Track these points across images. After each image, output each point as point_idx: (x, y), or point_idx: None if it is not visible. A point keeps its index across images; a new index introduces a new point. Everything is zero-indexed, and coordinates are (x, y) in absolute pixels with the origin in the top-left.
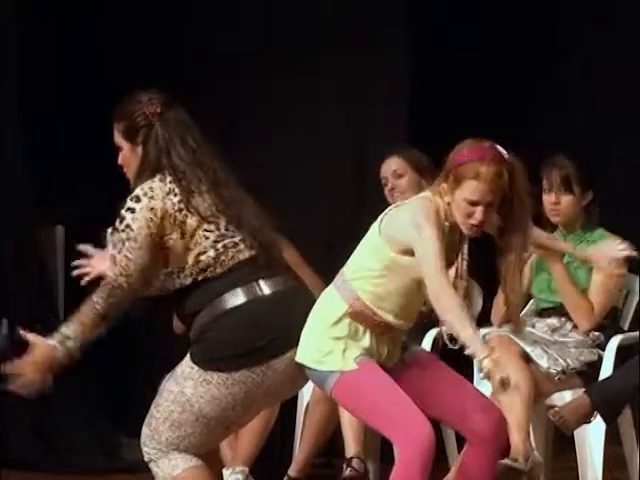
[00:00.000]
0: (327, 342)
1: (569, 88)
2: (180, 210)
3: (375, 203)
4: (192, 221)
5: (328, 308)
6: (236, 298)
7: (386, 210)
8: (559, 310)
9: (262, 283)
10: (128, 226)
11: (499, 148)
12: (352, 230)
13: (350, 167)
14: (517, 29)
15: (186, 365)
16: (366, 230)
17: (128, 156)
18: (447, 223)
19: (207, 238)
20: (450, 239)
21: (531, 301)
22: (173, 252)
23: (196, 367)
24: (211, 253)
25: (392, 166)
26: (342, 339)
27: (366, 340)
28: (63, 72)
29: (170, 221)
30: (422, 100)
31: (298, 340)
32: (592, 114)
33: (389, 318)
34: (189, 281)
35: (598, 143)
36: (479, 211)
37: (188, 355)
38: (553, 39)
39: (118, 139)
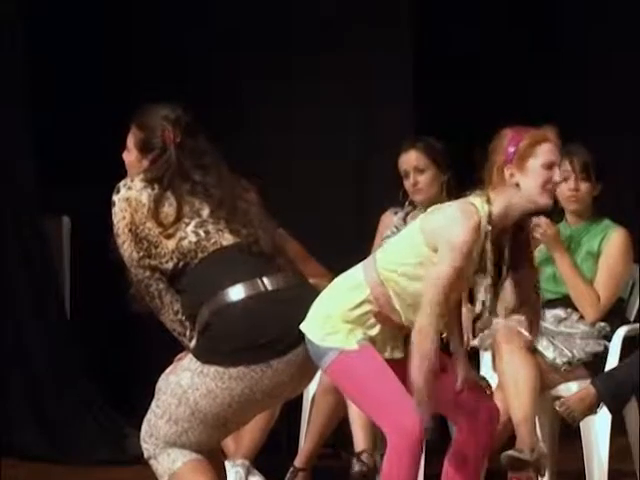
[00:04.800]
0: (336, 322)
1: (572, 85)
2: (156, 202)
3: (377, 203)
4: (170, 210)
5: (350, 290)
6: (239, 292)
7: (430, 208)
8: (565, 301)
9: (266, 280)
10: (114, 224)
11: None
12: (354, 231)
13: (352, 168)
14: (518, 26)
15: (187, 358)
16: (368, 230)
17: (133, 161)
18: (489, 227)
19: (187, 224)
20: (487, 245)
21: None
22: (151, 240)
23: (195, 359)
24: (192, 238)
25: (413, 161)
26: (351, 322)
27: (375, 330)
28: (66, 64)
29: (143, 211)
30: (426, 100)
31: (300, 342)
32: (596, 111)
33: (408, 316)
34: (170, 266)
35: (604, 138)
36: (557, 172)
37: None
38: (553, 37)
39: (130, 143)
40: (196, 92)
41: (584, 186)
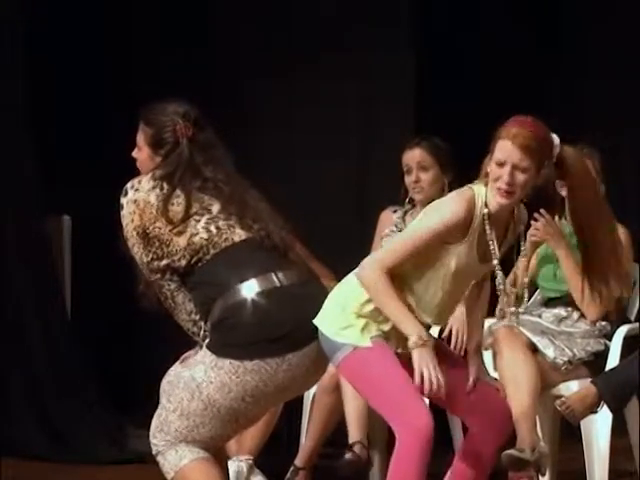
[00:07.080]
0: (350, 317)
1: (577, 84)
2: (165, 200)
3: (377, 203)
4: (179, 208)
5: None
6: (253, 287)
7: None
8: (565, 300)
9: (280, 274)
10: (123, 227)
11: (541, 124)
12: (354, 231)
13: (353, 168)
14: (519, 27)
15: (201, 352)
16: (368, 231)
17: (145, 159)
18: (486, 210)
19: (198, 221)
20: (486, 228)
21: (537, 291)
22: (162, 238)
23: (209, 352)
24: (204, 235)
25: (417, 157)
26: (365, 317)
27: (388, 325)
28: (67, 64)
29: (152, 211)
30: (426, 100)
31: (315, 336)
32: (598, 110)
33: (421, 309)
34: (183, 263)
35: (603, 138)
36: (506, 172)
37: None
38: (553, 37)
39: (141, 141)
40: (197, 92)
41: (602, 187)
